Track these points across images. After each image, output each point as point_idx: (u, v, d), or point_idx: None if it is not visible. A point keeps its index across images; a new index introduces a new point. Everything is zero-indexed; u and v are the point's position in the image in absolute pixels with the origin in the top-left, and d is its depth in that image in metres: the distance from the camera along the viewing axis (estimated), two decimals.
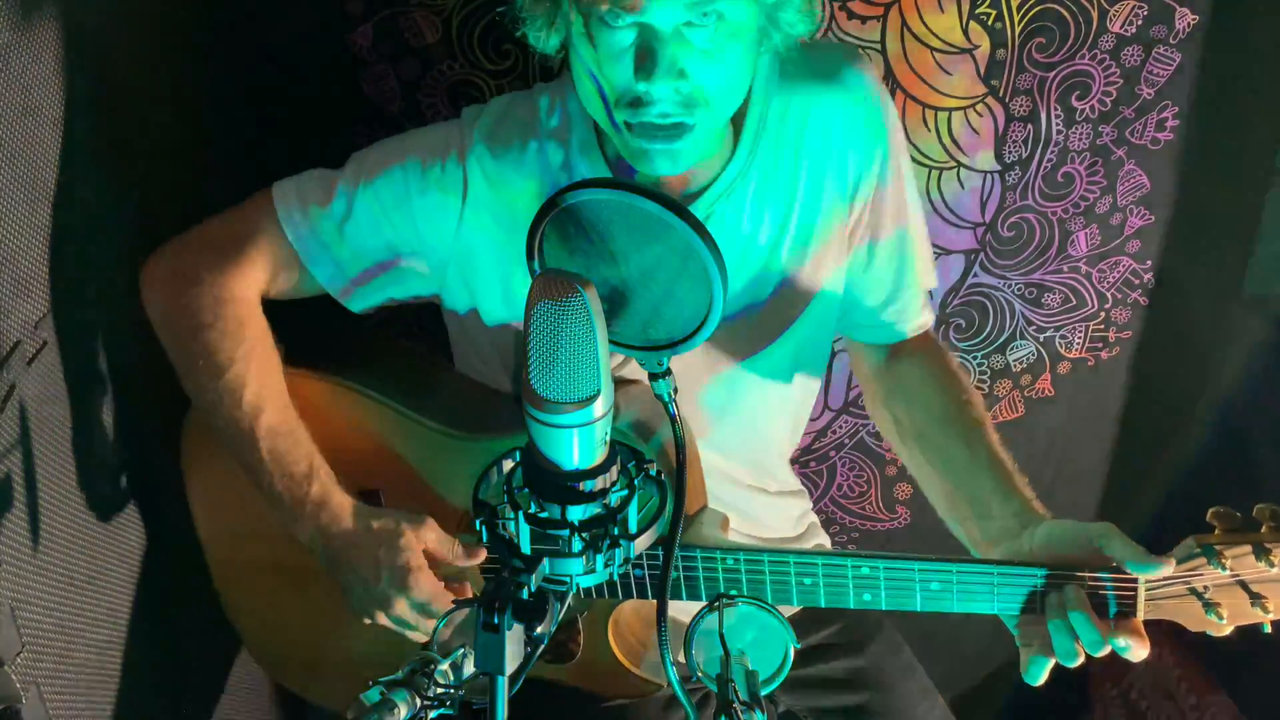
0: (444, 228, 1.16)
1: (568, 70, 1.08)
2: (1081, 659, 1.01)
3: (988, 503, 1.15)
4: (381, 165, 1.15)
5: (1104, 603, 1.02)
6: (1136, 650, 1.00)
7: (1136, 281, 1.81)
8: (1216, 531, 1.01)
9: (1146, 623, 1.02)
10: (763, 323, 1.23)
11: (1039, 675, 1.04)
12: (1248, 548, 0.98)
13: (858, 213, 1.21)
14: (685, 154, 1.03)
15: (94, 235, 1.12)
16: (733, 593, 1.10)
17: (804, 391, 1.34)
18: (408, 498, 1.17)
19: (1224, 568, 0.98)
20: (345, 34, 1.44)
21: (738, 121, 1.15)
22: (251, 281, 1.15)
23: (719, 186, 1.15)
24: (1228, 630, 1.02)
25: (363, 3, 1.43)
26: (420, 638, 1.14)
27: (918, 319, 1.30)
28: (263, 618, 1.32)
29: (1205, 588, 1.01)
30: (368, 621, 1.12)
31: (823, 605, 1.09)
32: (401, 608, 1.09)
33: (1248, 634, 1.02)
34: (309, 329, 1.21)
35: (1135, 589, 1.01)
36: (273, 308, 1.18)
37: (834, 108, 1.16)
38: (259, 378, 1.12)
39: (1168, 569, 0.99)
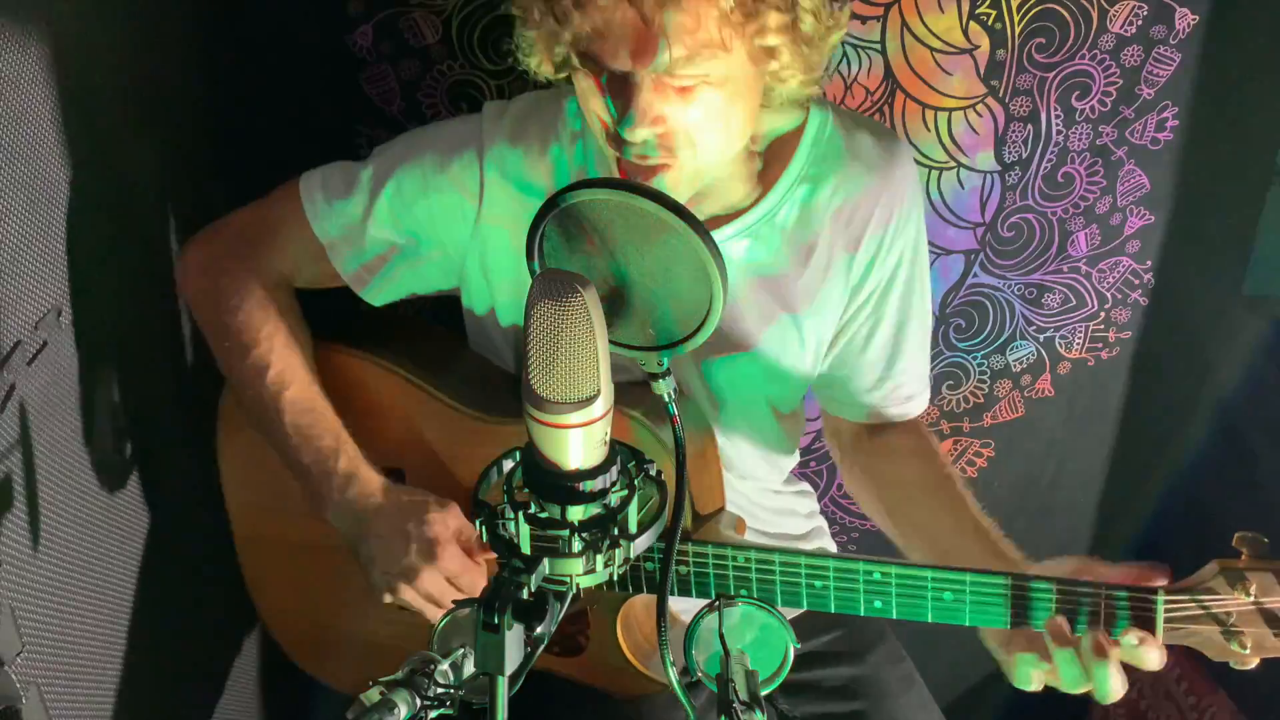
0: (461, 226, 1.17)
1: None
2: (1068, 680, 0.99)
3: (981, 562, 1.14)
4: (402, 160, 1.16)
5: (1117, 623, 0.99)
6: (1151, 658, 0.97)
7: (1136, 281, 1.81)
8: (1243, 557, 0.98)
9: None
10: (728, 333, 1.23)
11: (1030, 680, 1.02)
12: (1273, 576, 0.95)
13: (862, 297, 1.23)
14: (673, 192, 1.03)
15: (94, 235, 1.12)
16: (739, 592, 1.11)
17: (786, 416, 1.34)
18: (431, 478, 1.18)
19: (1248, 593, 0.95)
20: (345, 34, 1.44)
21: (776, 164, 1.16)
22: (278, 270, 1.19)
23: (742, 222, 1.17)
24: (1253, 663, 0.98)
25: (363, 3, 1.43)
26: (436, 615, 1.14)
27: (901, 407, 1.32)
28: (284, 596, 1.34)
29: (1228, 614, 0.97)
30: (387, 598, 1.12)
31: (832, 610, 1.07)
32: (427, 580, 1.08)
33: None
34: (341, 309, 1.24)
35: (1153, 609, 0.98)
36: (303, 290, 1.22)
37: (877, 198, 1.18)
38: (283, 358, 1.14)
39: (1161, 579, 0.98)
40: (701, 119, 0.99)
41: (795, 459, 1.44)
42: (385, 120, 1.51)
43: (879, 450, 1.34)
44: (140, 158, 1.23)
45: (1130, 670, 0.98)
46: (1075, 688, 0.99)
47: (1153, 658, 0.97)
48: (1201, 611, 0.97)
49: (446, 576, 1.09)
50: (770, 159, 1.18)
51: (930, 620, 1.05)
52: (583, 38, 0.95)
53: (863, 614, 1.06)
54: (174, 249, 1.29)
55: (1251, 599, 0.95)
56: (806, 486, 1.49)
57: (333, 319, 1.24)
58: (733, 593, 1.11)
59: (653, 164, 1.01)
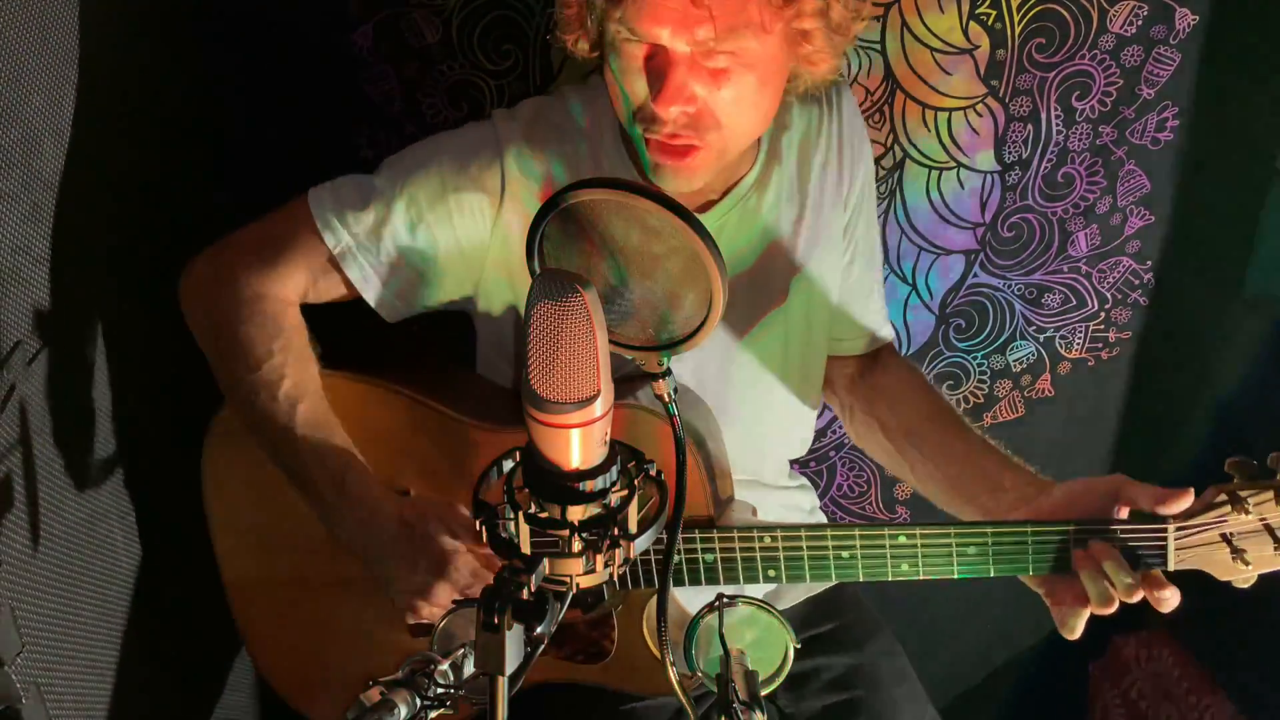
0: (480, 225, 1.17)
1: (595, 74, 1.10)
2: (1116, 605, 1.04)
3: (998, 477, 1.18)
4: (418, 167, 1.16)
5: (1134, 555, 1.05)
6: (1166, 598, 1.02)
7: (1136, 281, 1.81)
8: (1235, 480, 1.05)
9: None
10: (749, 315, 1.27)
11: (1078, 628, 1.07)
12: (1270, 494, 1.02)
13: (850, 221, 1.30)
14: (696, 173, 1.07)
15: (95, 235, 1.12)
16: (767, 573, 1.13)
17: (795, 398, 1.35)
18: (439, 494, 1.17)
19: (1249, 513, 1.02)
20: (345, 34, 1.44)
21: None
22: (289, 285, 1.17)
23: (738, 193, 1.21)
24: (1253, 578, 1.05)
25: (363, 3, 1.43)
26: None
27: (887, 326, 1.41)
28: (279, 638, 1.32)
29: (1232, 534, 1.04)
30: (410, 619, 1.11)
31: (860, 579, 1.11)
32: (442, 596, 1.08)
33: (1247, 633, 1.03)
34: (337, 333, 1.22)
35: (1165, 538, 1.04)
36: (304, 313, 1.19)
37: (834, 126, 1.25)
38: (296, 371, 1.13)
39: (1188, 499, 1.03)
40: (731, 102, 1.03)
41: (785, 458, 1.44)
42: (386, 120, 1.51)
43: (876, 391, 1.38)
44: (139, 159, 1.23)
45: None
46: (1103, 601, 1.04)
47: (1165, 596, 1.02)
48: (1210, 534, 1.04)
49: (462, 587, 1.08)
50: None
51: (957, 577, 1.09)
52: (630, 10, 0.99)
53: (890, 579, 1.10)
54: (174, 249, 1.29)
55: (1255, 517, 1.02)
56: (806, 482, 1.50)
57: (327, 345, 1.21)
58: (760, 574, 1.14)
59: (681, 144, 1.04)
